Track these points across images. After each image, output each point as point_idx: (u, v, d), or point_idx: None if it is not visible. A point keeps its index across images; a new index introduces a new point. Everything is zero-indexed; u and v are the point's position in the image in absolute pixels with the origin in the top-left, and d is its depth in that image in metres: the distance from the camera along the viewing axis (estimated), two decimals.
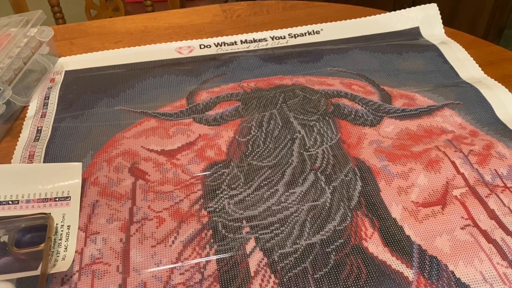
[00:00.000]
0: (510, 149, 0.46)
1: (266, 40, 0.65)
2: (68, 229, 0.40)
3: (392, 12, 0.68)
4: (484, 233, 0.39)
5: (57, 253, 0.38)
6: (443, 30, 0.66)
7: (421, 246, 0.38)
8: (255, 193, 0.43)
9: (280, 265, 0.37)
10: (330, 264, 0.37)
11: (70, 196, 0.42)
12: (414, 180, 0.43)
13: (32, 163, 0.47)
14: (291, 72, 0.59)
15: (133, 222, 0.41)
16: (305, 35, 0.66)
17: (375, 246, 0.38)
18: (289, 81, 0.57)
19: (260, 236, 0.39)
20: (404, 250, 0.38)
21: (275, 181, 0.44)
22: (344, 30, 0.66)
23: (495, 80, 0.56)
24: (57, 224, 0.40)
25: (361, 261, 0.37)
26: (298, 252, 0.38)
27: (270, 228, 0.40)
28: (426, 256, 0.37)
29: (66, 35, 0.69)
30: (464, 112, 0.51)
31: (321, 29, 0.67)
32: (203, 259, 0.38)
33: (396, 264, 0.37)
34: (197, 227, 0.40)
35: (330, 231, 0.39)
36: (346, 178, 0.44)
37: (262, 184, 0.44)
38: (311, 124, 0.50)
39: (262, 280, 0.36)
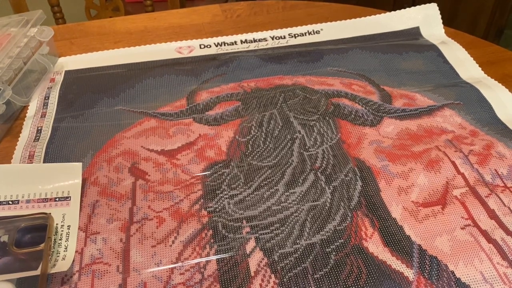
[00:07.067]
0: (510, 149, 0.46)
1: (266, 40, 0.65)
2: (68, 229, 0.40)
3: (392, 12, 0.68)
4: (484, 233, 0.39)
5: (57, 253, 0.38)
6: (443, 30, 0.66)
7: (421, 246, 0.38)
8: (255, 193, 0.43)
9: (280, 265, 0.37)
10: (330, 264, 0.37)
11: (70, 196, 0.42)
12: (414, 180, 0.43)
13: (32, 163, 0.47)
14: (291, 72, 0.59)
15: (133, 222, 0.41)
16: (305, 35, 0.66)
17: (375, 246, 0.38)
18: (289, 81, 0.57)
19: (260, 236, 0.39)
20: (404, 250, 0.38)
21: (275, 181, 0.44)
22: (344, 30, 0.66)
23: (495, 80, 0.56)
24: (57, 224, 0.40)
25: (361, 261, 0.37)
26: (298, 252, 0.38)
27: (270, 228, 0.40)
28: (426, 256, 0.37)
29: (66, 35, 0.69)
30: (464, 112, 0.51)
31: (321, 29, 0.67)
32: (203, 259, 0.38)
33: (396, 264, 0.37)
34: (197, 227, 0.40)
35: (330, 231, 0.39)
36: (346, 178, 0.44)
37: (262, 184, 0.44)
38: (311, 124, 0.50)
39: (262, 280, 0.36)
